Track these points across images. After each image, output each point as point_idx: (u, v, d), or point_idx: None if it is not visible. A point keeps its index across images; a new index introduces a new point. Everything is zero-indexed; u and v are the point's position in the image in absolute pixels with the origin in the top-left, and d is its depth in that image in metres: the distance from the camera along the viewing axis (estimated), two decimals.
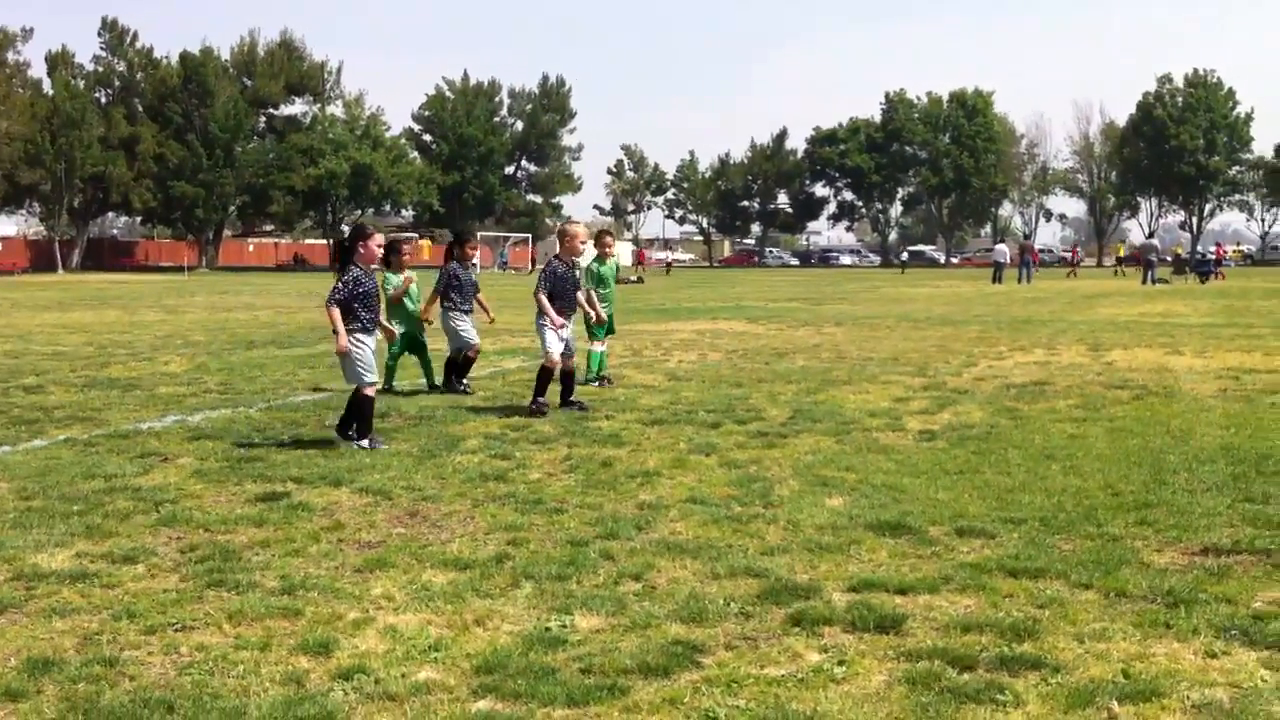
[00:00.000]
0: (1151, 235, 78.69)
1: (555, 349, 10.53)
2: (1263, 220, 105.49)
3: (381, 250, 9.71)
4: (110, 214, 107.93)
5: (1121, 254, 66.85)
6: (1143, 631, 4.64)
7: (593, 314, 11.90)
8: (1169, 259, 60.11)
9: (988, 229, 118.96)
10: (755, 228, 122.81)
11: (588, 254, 12.11)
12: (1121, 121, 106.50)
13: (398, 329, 11.40)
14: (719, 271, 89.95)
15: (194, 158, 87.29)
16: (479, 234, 57.17)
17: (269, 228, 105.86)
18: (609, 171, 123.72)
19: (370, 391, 8.90)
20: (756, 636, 4.64)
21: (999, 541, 5.99)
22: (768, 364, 15.09)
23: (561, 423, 10.02)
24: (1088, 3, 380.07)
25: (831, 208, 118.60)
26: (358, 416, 8.92)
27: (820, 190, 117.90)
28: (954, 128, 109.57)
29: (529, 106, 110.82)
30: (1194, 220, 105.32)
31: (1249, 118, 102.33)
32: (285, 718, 3.89)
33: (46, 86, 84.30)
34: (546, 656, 4.42)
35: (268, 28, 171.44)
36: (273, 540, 6.12)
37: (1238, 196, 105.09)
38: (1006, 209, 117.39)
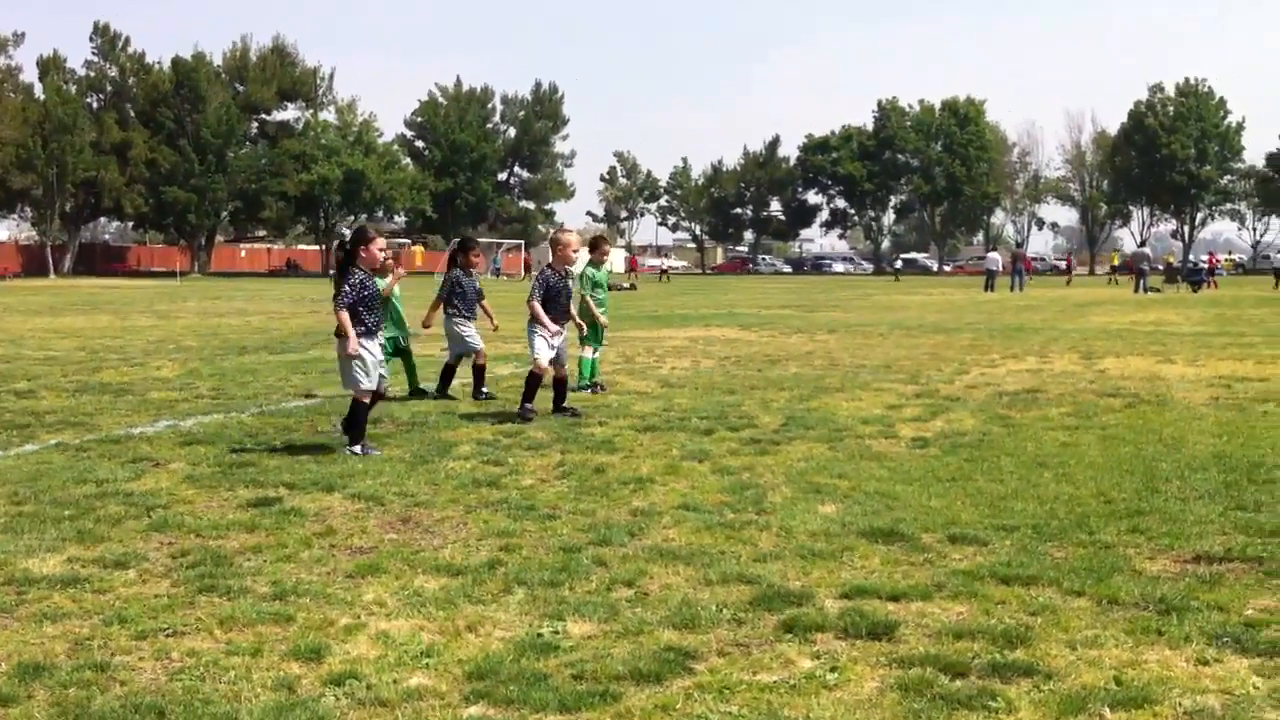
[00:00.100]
0: (1143, 244, 79.01)
1: (544, 355, 10.57)
2: (1254, 229, 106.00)
3: (383, 254, 9.72)
4: (102, 219, 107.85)
5: (1116, 262, 67.11)
6: (1135, 639, 4.65)
7: (583, 325, 12.04)
8: (1160, 267, 60.29)
9: (980, 237, 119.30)
10: (748, 235, 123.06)
11: (581, 259, 12.15)
12: (1113, 130, 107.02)
13: (385, 333, 11.37)
14: (712, 278, 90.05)
15: (186, 163, 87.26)
16: None
17: (261, 233, 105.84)
18: (602, 179, 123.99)
19: (365, 398, 8.89)
20: (749, 643, 4.64)
21: (991, 549, 5.99)
22: (760, 371, 15.10)
23: (554, 429, 10.01)
24: (1088, 3, 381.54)
25: (824, 215, 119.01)
26: (351, 421, 8.91)
27: (813, 198, 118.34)
28: (946, 136, 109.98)
29: (522, 113, 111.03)
30: (1186, 229, 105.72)
31: (1240, 127, 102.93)
32: None
33: (38, 91, 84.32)
34: (539, 663, 4.41)
35: (260, 33, 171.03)
36: (264, 546, 6.10)
37: (1229, 205, 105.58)
38: (999, 217, 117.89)
